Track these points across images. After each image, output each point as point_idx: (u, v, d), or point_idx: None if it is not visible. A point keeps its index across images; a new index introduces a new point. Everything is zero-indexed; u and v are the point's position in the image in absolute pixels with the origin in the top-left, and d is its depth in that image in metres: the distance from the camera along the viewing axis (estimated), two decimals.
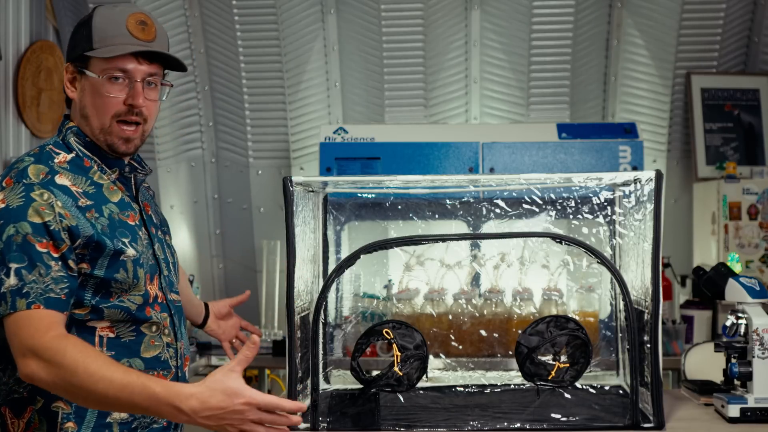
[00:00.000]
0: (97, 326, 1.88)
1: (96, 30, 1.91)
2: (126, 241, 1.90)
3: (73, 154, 1.93)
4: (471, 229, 3.32)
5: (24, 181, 1.83)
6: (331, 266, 2.42)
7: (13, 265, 1.77)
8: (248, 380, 4.59)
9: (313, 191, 2.32)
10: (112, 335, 1.88)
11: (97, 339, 1.87)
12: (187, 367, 2.04)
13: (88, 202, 1.87)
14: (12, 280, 1.76)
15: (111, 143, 1.94)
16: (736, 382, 2.18)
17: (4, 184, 1.85)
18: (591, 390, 2.27)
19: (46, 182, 1.84)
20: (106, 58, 1.90)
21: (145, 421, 1.92)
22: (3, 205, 1.81)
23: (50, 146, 1.94)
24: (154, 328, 1.94)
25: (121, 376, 1.70)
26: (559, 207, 2.39)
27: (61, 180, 1.87)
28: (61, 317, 1.79)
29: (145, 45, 1.92)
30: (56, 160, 1.90)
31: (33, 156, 1.91)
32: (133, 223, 1.94)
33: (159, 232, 2.05)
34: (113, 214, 1.90)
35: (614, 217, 2.37)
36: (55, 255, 1.80)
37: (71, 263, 1.82)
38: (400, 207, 2.55)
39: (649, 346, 2.03)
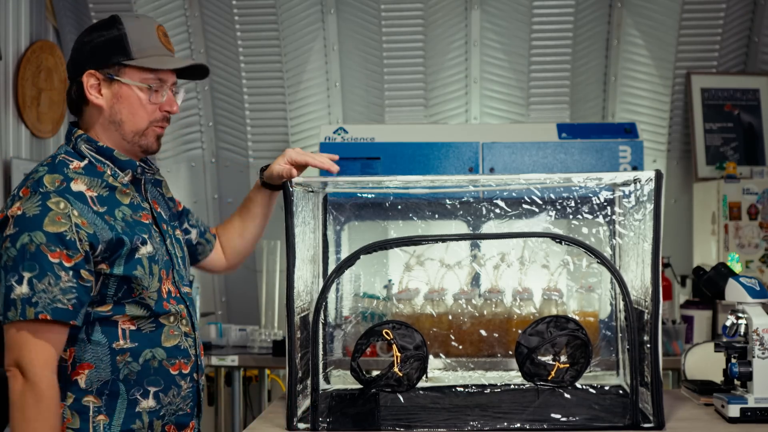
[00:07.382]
0: (119, 320, 1.95)
1: (132, 41, 2.00)
2: (145, 237, 1.98)
3: (85, 161, 2.00)
4: (471, 229, 3.32)
5: (40, 189, 1.89)
6: (331, 266, 2.41)
7: (26, 274, 1.84)
8: (248, 380, 4.58)
9: (312, 191, 2.32)
10: (133, 327, 1.97)
11: (120, 332, 1.95)
12: (203, 356, 2.14)
13: (103, 208, 1.94)
14: (23, 288, 1.83)
15: (145, 144, 2.05)
16: (736, 382, 2.18)
17: (21, 194, 1.90)
18: (591, 390, 2.27)
19: (62, 190, 1.90)
20: (149, 68, 2.00)
21: (171, 408, 2.02)
22: (20, 213, 1.86)
23: (62, 155, 2.00)
24: (172, 319, 2.02)
25: None
26: (559, 207, 2.38)
27: (77, 186, 1.93)
28: (64, 331, 1.88)
29: (171, 55, 2.07)
30: (71, 167, 1.97)
31: (47, 165, 1.97)
32: (147, 222, 2.03)
33: (169, 228, 2.12)
34: (127, 216, 1.98)
35: (614, 217, 2.37)
36: (67, 265, 1.86)
37: (84, 273, 1.88)
38: (400, 207, 2.55)
39: (649, 346, 2.03)
